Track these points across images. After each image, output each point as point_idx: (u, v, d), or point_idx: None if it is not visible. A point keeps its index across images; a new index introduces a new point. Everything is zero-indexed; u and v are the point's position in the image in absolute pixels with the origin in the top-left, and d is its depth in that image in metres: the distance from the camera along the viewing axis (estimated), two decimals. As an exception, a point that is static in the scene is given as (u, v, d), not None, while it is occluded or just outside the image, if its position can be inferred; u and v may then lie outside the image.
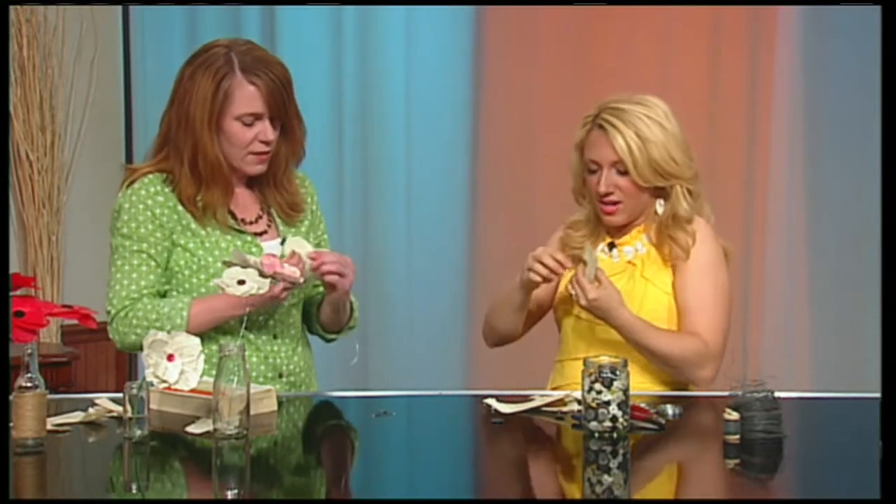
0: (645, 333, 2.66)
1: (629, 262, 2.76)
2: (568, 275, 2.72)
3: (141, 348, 2.59)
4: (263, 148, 2.64)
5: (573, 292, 2.64)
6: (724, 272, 2.77)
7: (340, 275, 2.58)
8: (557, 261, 2.66)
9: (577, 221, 2.84)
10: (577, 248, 2.77)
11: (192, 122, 2.60)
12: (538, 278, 2.67)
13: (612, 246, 2.79)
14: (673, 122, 2.71)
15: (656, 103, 2.72)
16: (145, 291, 2.61)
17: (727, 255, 2.81)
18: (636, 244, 2.78)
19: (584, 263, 2.67)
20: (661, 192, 2.74)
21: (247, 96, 2.60)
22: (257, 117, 2.61)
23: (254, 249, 2.65)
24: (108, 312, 2.63)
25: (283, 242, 2.70)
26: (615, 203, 2.72)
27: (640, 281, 2.73)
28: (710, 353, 2.68)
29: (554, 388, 2.73)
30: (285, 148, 2.69)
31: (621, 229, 2.79)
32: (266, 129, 2.62)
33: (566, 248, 2.80)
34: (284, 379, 2.69)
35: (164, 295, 2.65)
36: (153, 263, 2.63)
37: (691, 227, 2.73)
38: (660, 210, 2.74)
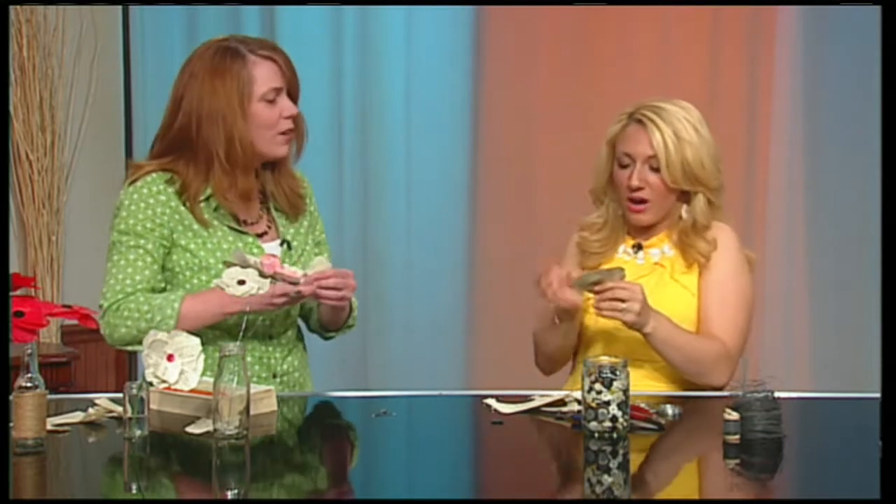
0: (677, 331, 2.64)
1: (656, 263, 2.76)
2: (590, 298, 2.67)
3: (130, 343, 2.59)
4: (289, 125, 2.67)
5: (623, 306, 2.56)
6: (747, 278, 2.77)
7: (339, 290, 2.58)
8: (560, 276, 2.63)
9: (593, 223, 2.82)
10: (596, 252, 2.77)
11: (220, 116, 2.60)
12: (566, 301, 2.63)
13: (638, 247, 2.79)
14: (706, 129, 2.72)
15: (693, 108, 2.73)
16: (140, 286, 2.61)
17: (750, 263, 2.80)
18: (663, 247, 2.77)
19: (595, 285, 2.61)
20: (687, 198, 2.74)
21: (267, 73, 2.63)
22: (278, 91, 2.64)
23: (255, 250, 2.65)
24: (101, 306, 2.62)
25: (282, 243, 2.71)
26: (644, 201, 2.72)
27: (671, 283, 2.73)
28: (729, 355, 2.67)
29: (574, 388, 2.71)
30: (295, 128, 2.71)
31: (643, 232, 2.79)
32: (288, 105, 2.66)
33: (584, 253, 2.80)
34: (278, 379, 2.69)
35: (161, 292, 2.65)
36: (149, 259, 2.63)
37: (710, 235, 2.73)
38: (685, 216, 2.74)
